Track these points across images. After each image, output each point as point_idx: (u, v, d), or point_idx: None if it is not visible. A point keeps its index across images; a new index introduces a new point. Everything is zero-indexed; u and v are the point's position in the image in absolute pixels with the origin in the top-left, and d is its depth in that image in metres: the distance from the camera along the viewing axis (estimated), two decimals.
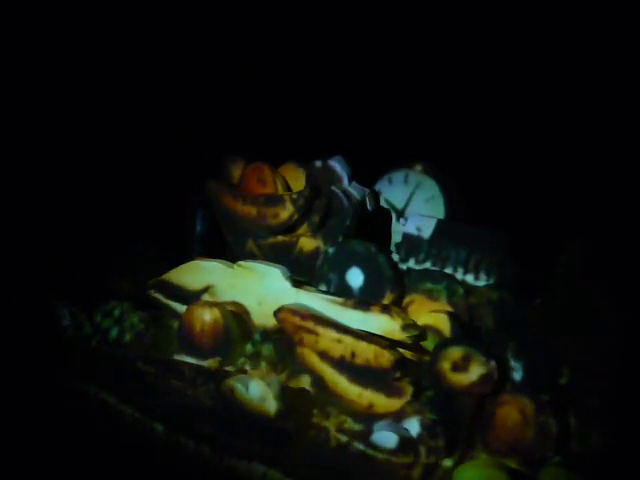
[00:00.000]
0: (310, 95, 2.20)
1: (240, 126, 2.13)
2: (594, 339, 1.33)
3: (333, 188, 1.65)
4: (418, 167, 1.84)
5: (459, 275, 1.68)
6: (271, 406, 1.32)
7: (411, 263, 1.74)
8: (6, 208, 1.85)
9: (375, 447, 1.26)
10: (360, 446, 1.28)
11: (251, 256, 1.77)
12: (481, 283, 1.59)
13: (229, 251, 1.83)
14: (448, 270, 1.68)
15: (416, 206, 1.82)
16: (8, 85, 1.99)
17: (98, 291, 1.69)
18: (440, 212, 1.80)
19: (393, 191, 1.85)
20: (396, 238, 1.82)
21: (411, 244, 1.75)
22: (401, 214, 1.83)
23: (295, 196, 1.67)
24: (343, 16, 2.21)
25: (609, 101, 1.96)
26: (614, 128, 1.94)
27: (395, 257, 1.75)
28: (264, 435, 1.30)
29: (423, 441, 1.26)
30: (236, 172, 1.80)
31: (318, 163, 1.71)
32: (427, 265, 1.71)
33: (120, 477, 1.36)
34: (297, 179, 1.74)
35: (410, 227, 1.79)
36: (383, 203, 1.85)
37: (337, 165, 1.69)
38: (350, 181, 1.70)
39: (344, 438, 1.30)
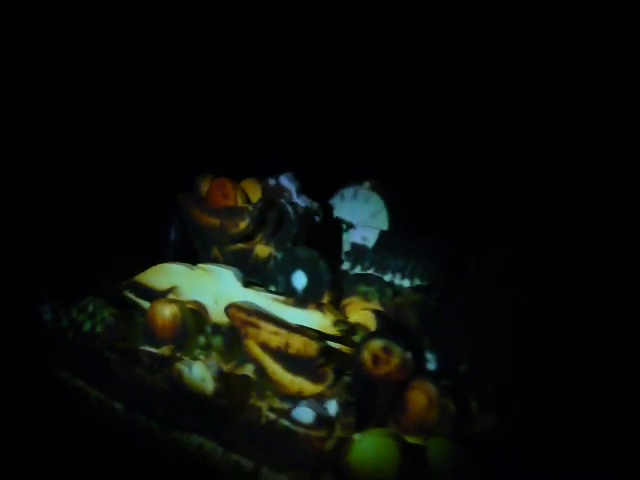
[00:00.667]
0: (275, 116, 2.43)
1: (210, 145, 2.36)
2: (490, 335, 1.52)
3: (282, 201, 1.86)
4: (366, 184, 2.05)
5: (397, 280, 1.89)
6: (209, 386, 1.53)
7: (358, 269, 1.96)
8: None
9: (296, 422, 1.46)
10: (285, 422, 1.48)
11: (215, 261, 1.98)
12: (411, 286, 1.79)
13: (198, 257, 2.06)
14: (388, 276, 1.90)
15: (363, 219, 2.03)
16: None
17: (76, 289, 1.92)
18: (384, 225, 2.00)
19: (344, 205, 2.06)
20: (346, 247, 2.03)
21: (358, 253, 1.97)
22: (350, 226, 2.04)
23: (251, 208, 1.89)
24: (293, 37, 2.43)
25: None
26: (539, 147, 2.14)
27: (346, 264, 1.97)
28: (204, 412, 1.51)
29: (338, 418, 1.46)
30: (204, 186, 2.03)
31: (271, 179, 1.92)
32: (371, 271, 1.92)
33: (84, 446, 1.57)
34: (255, 193, 1.97)
35: (357, 237, 2.01)
36: (336, 216, 2.06)
37: (287, 181, 1.91)
38: (299, 195, 1.91)
39: (272, 416, 1.51)
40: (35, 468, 1.51)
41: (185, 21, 2.51)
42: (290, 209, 1.85)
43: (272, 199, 1.90)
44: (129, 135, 2.38)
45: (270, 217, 1.89)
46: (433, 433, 1.46)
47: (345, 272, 1.94)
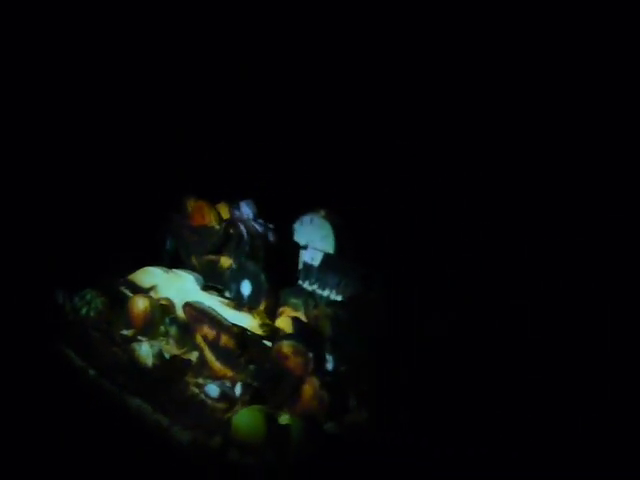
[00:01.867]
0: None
1: (199, 169, 2.85)
2: (367, 344, 1.92)
3: (239, 223, 2.32)
4: (322, 212, 2.47)
5: (332, 295, 2.30)
6: (149, 362, 2.01)
7: (306, 284, 2.38)
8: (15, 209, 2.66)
9: (207, 396, 1.91)
10: (202, 396, 1.93)
11: (193, 269, 2.47)
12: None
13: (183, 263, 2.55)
14: (326, 291, 2.32)
15: (315, 242, 2.45)
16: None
17: (83, 281, 2.45)
18: (331, 248, 2.41)
19: (302, 230, 2.48)
20: (300, 265, 2.46)
21: (307, 270, 2.40)
22: (304, 247, 2.46)
23: (218, 228, 2.36)
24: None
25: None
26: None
27: (300, 280, 2.40)
28: (144, 381, 1.99)
29: (240, 397, 1.90)
30: (189, 207, 2.51)
31: (234, 205, 2.38)
32: (315, 286, 2.35)
33: (65, 401, 2.07)
34: (226, 215, 2.43)
35: (307, 257, 2.43)
36: (295, 238, 2.49)
37: (246, 206, 2.36)
38: (255, 219, 2.36)
39: (196, 390, 1.97)
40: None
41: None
42: (244, 230, 2.30)
43: (235, 221, 2.36)
44: (144, 152, 2.91)
45: (232, 236, 2.35)
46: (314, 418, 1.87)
47: (298, 286, 2.37)
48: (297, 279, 2.37)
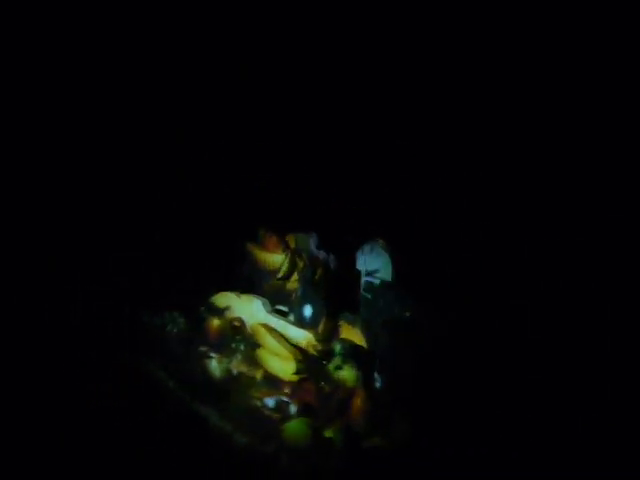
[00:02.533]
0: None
1: (270, 205, 3.13)
2: (413, 363, 2.10)
3: (303, 253, 2.56)
4: (380, 242, 2.67)
5: (386, 317, 2.49)
6: (217, 376, 2.27)
7: (363, 308, 2.59)
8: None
9: (266, 408, 2.15)
10: (261, 407, 2.18)
11: (263, 293, 2.73)
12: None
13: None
14: (381, 314, 2.51)
15: (374, 269, 2.64)
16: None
17: (167, 302, 2.76)
18: (388, 275, 2.60)
19: (363, 257, 2.69)
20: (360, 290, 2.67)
21: (365, 295, 2.60)
22: (367, 273, 2.67)
23: (285, 257, 2.61)
24: None
25: None
26: None
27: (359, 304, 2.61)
28: (211, 391, 2.26)
29: (293, 409, 2.12)
30: (262, 237, 2.78)
31: (299, 236, 2.62)
32: (371, 310, 2.55)
33: (144, 407, 2.37)
34: (293, 245, 2.68)
35: (366, 283, 2.64)
36: (358, 265, 2.70)
37: (311, 238, 2.60)
38: (318, 248, 2.59)
39: (257, 402, 2.21)
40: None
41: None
42: (307, 259, 2.54)
43: (300, 251, 2.60)
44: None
45: (297, 264, 2.59)
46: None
47: (356, 309, 2.58)
48: (356, 303, 2.58)
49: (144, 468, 2.03)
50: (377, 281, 2.60)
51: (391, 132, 3.09)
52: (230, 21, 3.28)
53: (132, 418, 2.24)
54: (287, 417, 2.09)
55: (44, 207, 3.11)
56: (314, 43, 3.22)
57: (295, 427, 1.98)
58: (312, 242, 2.60)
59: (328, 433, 1.99)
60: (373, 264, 2.66)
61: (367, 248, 2.70)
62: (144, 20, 3.10)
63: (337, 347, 2.33)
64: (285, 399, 2.15)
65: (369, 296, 2.58)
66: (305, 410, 2.10)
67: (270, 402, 2.13)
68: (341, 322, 2.43)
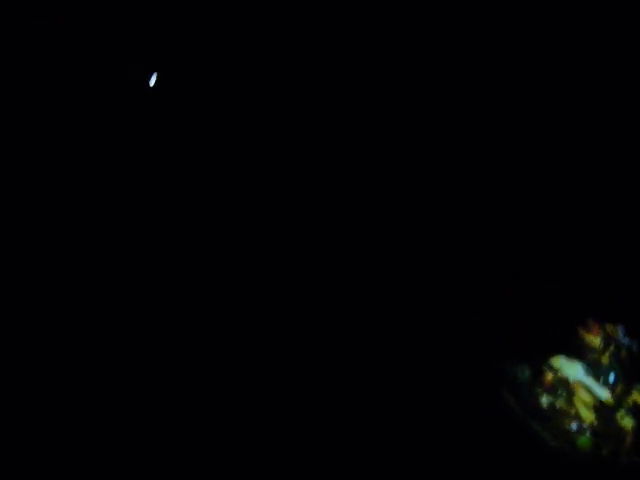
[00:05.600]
0: None
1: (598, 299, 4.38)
2: None
3: (614, 337, 3.87)
4: None
5: None
6: (545, 406, 3.75)
7: None
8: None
9: (572, 430, 3.57)
10: (571, 428, 3.61)
11: (589, 363, 4.10)
12: None
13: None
14: None
15: None
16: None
17: (522, 357, 4.29)
18: None
19: None
20: None
21: None
22: None
23: (601, 338, 3.96)
24: None
25: None
26: None
27: None
28: (545, 418, 3.74)
29: (587, 432, 3.51)
30: (590, 325, 4.16)
31: (612, 326, 3.93)
32: None
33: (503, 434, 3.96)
34: (609, 331, 4.01)
35: None
36: None
37: (620, 327, 3.89)
38: (624, 336, 3.87)
39: (569, 426, 3.65)
40: None
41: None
42: (615, 343, 3.85)
43: (612, 335, 3.93)
44: None
45: (610, 345, 3.92)
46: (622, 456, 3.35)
47: None
48: None
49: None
50: None
51: None
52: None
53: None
54: (582, 435, 3.47)
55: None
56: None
57: (584, 441, 3.36)
58: (621, 331, 3.91)
59: (604, 452, 3.33)
60: None
61: None
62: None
63: (626, 404, 3.61)
64: (583, 426, 3.53)
65: None
66: (594, 434, 3.45)
67: (574, 426, 3.54)
68: (634, 389, 3.69)
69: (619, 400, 3.67)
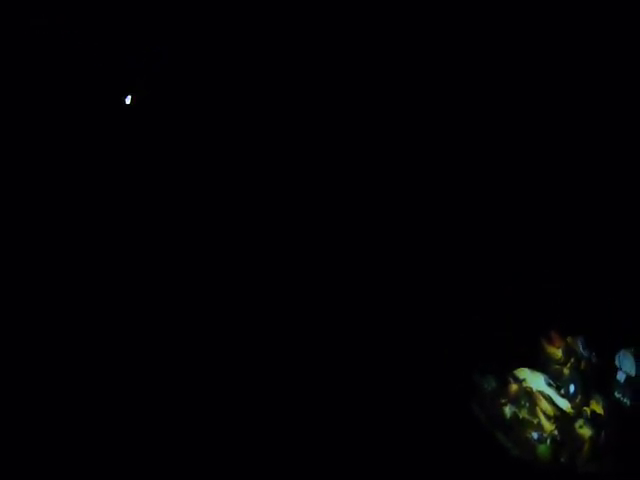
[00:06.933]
0: None
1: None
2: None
3: (575, 349, 4.02)
4: (632, 349, 3.99)
5: (627, 401, 3.83)
6: (508, 417, 3.89)
7: (616, 393, 3.96)
8: None
9: (533, 439, 3.71)
10: (531, 437, 3.75)
11: (551, 373, 4.25)
12: None
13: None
14: (625, 399, 3.86)
15: (625, 367, 3.97)
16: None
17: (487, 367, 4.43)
18: (633, 372, 3.91)
19: (619, 359, 4.04)
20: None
21: (617, 384, 3.98)
22: (619, 369, 4.01)
23: (562, 350, 4.11)
24: None
25: None
26: None
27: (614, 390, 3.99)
28: (506, 426, 3.88)
29: (549, 441, 3.65)
30: (553, 336, 4.31)
31: (572, 338, 4.09)
32: (620, 395, 3.92)
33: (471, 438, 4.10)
34: (570, 343, 4.16)
35: (619, 376, 4.00)
36: (616, 362, 4.05)
37: (580, 339, 4.04)
38: (584, 348, 4.02)
39: (529, 435, 3.78)
40: None
41: None
42: (577, 354, 4.00)
43: (572, 347, 4.08)
44: None
45: (571, 357, 4.07)
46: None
47: (610, 393, 3.96)
48: (608, 388, 3.95)
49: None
50: (624, 375, 3.93)
51: None
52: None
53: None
54: (542, 444, 3.61)
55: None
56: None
57: (544, 450, 3.50)
58: (580, 343, 4.06)
59: (563, 458, 3.48)
60: (624, 363, 3.99)
61: (622, 351, 4.04)
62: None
63: (585, 413, 3.76)
64: (544, 435, 3.67)
65: (621, 384, 3.92)
66: (554, 442, 3.60)
67: (535, 435, 3.68)
68: (592, 399, 3.85)
69: (578, 410, 3.82)
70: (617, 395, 3.91)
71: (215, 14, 3.15)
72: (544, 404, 3.87)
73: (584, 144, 3.68)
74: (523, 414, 3.99)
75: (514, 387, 4.15)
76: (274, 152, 3.40)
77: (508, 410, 4.00)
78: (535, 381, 4.16)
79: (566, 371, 4.12)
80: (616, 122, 3.53)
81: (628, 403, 3.82)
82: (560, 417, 3.76)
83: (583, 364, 4.00)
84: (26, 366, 2.60)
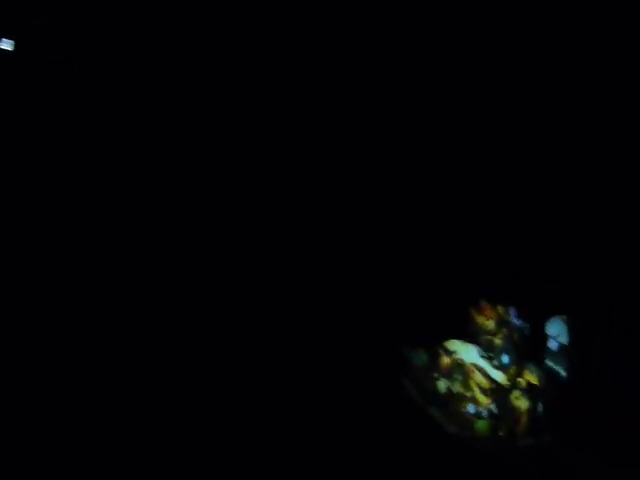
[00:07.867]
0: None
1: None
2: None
3: (507, 319, 3.90)
4: (564, 317, 3.90)
5: (560, 370, 3.74)
6: (443, 391, 3.72)
7: (547, 361, 3.85)
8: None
9: (469, 413, 3.55)
10: (467, 412, 3.58)
11: (480, 343, 4.11)
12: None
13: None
14: (558, 367, 3.77)
15: (557, 335, 3.88)
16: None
17: (418, 342, 4.27)
18: (565, 340, 3.83)
19: (551, 326, 3.94)
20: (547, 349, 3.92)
21: (549, 353, 3.87)
22: (550, 338, 3.91)
23: (493, 320, 3.97)
24: None
25: None
26: None
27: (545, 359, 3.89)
28: (441, 401, 3.71)
29: (486, 415, 3.50)
30: (483, 307, 4.17)
31: (504, 308, 3.96)
32: (551, 363, 3.82)
33: (402, 411, 3.90)
34: (501, 313, 4.03)
35: (551, 345, 3.90)
36: (546, 331, 3.96)
37: (512, 309, 3.92)
38: (517, 318, 3.90)
39: (465, 409, 3.62)
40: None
41: None
42: (510, 324, 3.88)
43: (505, 317, 3.95)
44: None
45: (503, 327, 3.94)
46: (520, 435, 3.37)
47: (541, 361, 3.86)
48: (540, 357, 3.85)
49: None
50: (557, 344, 3.84)
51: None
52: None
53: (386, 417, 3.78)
54: (479, 419, 3.46)
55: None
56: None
57: (482, 425, 3.35)
58: (513, 313, 3.94)
59: (502, 430, 3.34)
60: (556, 331, 3.90)
61: (553, 319, 3.95)
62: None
63: (520, 385, 3.64)
64: (480, 409, 3.53)
65: (552, 354, 3.83)
66: (491, 416, 3.45)
67: (471, 409, 3.52)
68: (526, 369, 3.73)
69: (513, 381, 3.70)
70: (549, 364, 3.82)
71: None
72: (478, 377, 3.73)
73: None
74: (457, 388, 3.83)
75: (446, 360, 3.99)
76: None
77: (442, 384, 3.84)
78: (467, 353, 4.02)
79: (498, 341, 3.99)
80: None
81: (562, 373, 3.73)
82: (495, 390, 3.62)
83: (516, 335, 3.88)
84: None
